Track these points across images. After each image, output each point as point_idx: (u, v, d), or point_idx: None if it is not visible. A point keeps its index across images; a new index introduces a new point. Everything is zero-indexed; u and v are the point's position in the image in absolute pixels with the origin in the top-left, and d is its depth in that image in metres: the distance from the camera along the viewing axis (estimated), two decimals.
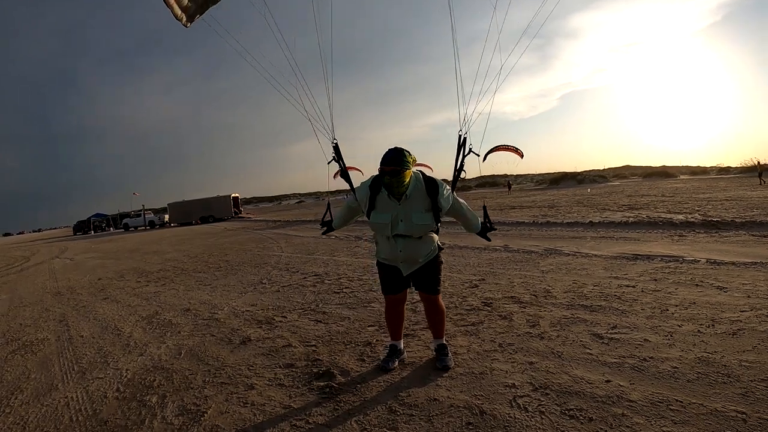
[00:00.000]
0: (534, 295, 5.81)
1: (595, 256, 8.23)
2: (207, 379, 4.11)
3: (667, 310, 4.79)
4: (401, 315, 4.02)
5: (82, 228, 60.53)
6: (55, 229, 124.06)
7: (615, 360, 3.67)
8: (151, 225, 53.41)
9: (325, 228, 4.23)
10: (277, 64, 3.95)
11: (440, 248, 3.86)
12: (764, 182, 30.03)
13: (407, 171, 3.44)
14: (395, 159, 3.39)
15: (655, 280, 6.12)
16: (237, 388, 3.84)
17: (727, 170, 65.37)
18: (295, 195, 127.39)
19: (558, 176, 63.34)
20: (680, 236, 9.95)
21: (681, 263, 7.06)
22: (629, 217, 13.69)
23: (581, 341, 4.13)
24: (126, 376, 4.40)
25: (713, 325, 4.23)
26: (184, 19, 4.09)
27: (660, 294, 5.41)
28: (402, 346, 4.07)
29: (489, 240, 4.18)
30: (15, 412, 3.85)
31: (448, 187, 3.68)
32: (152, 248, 20.57)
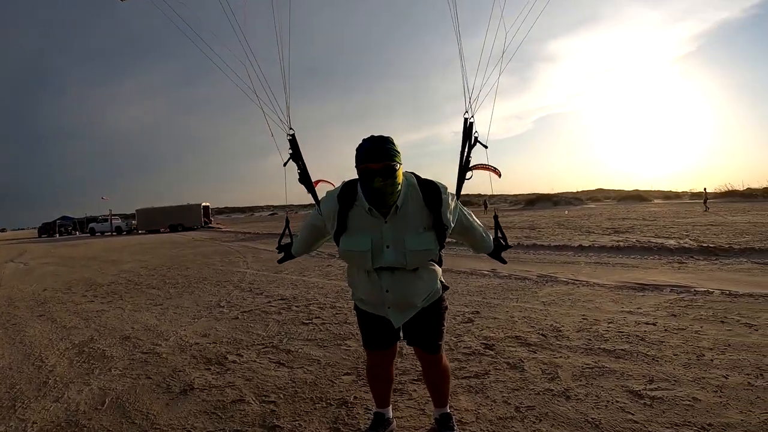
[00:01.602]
0: (542, 334, 4.93)
1: (598, 285, 7.51)
2: None
3: (704, 355, 4.11)
4: (390, 376, 2.96)
5: (47, 230, 59.81)
6: (21, 230, 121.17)
7: (670, 430, 2.86)
8: (118, 231, 51.89)
9: (282, 254, 3.05)
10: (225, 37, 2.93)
11: (445, 287, 2.73)
12: (707, 209, 32.45)
13: (400, 169, 2.36)
14: (385, 150, 2.27)
15: (674, 315, 5.49)
16: None
17: (699, 195, 66.43)
18: (268, 207, 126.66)
19: (533, 197, 63.58)
20: (680, 263, 9.59)
21: (694, 295, 6.50)
22: (618, 241, 13.17)
23: (618, 402, 3.29)
24: None
25: (762, 375, 3.63)
26: None
27: (687, 334, 4.75)
28: (391, 413, 3.06)
29: (505, 262, 2.99)
30: None
31: (452, 194, 2.53)
32: (112, 256, 19.42)
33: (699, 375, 3.69)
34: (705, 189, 41.25)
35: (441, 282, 2.68)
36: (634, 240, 13.28)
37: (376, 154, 2.26)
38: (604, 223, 21.37)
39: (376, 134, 2.33)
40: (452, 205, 2.48)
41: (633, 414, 3.09)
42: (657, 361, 4.04)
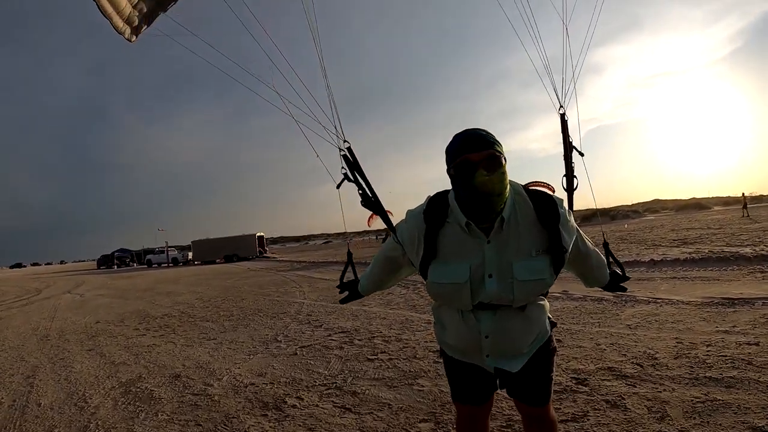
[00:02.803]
0: (637, 363, 4.50)
1: (682, 303, 7.01)
2: None
3: None
4: None
5: (105, 262, 62.34)
6: (81, 261, 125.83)
7: None
8: (174, 262, 52.37)
9: (346, 293, 2.51)
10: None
11: (552, 323, 2.14)
12: (746, 212, 32.57)
13: (505, 167, 1.78)
14: (487, 138, 1.76)
15: None
16: None
17: (759, 199, 63.89)
18: (322, 235, 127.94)
19: (589, 213, 62.47)
20: (762, 272, 9.01)
21: None
22: (690, 253, 12.43)
23: None
24: None
25: None
26: (128, 32, 3.11)
27: None
28: None
29: (625, 290, 2.38)
30: None
31: (568, 210, 1.97)
32: (167, 288, 19.51)
33: None
34: (743, 194, 40.47)
35: (549, 318, 2.14)
36: (706, 250, 12.55)
37: (477, 141, 1.75)
38: (668, 234, 20.49)
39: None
40: (571, 222, 1.94)
41: None
42: None
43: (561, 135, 2.50)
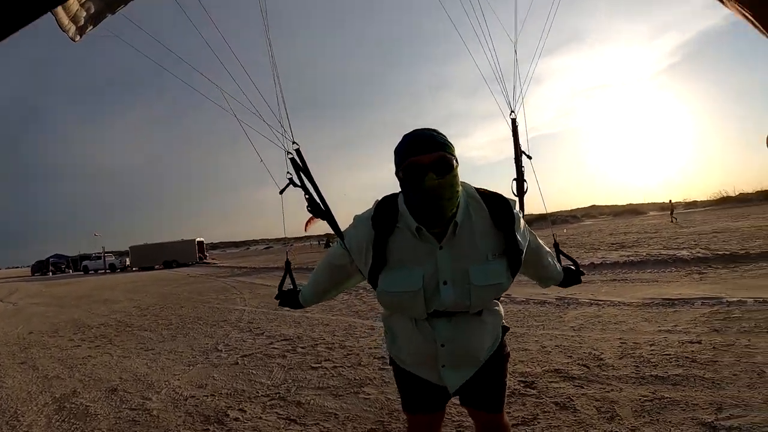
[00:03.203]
0: (583, 365, 4.52)
1: (623, 304, 7.17)
2: None
3: (764, 372, 3.85)
4: None
5: (40, 269, 59.99)
6: (15, 267, 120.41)
7: None
8: (112, 268, 50.68)
9: (283, 301, 2.34)
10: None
11: (505, 329, 2.07)
12: (675, 218, 33.70)
13: (457, 169, 1.71)
14: (438, 139, 1.66)
15: (716, 330, 5.21)
16: None
17: (694, 204, 66.78)
18: (263, 240, 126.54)
19: (531, 218, 63.97)
20: (700, 273, 9.38)
21: (728, 306, 6.27)
22: (629, 256, 12.84)
23: None
24: None
25: None
26: (72, 31, 2.91)
27: (738, 350, 4.47)
28: None
29: (580, 282, 2.34)
30: None
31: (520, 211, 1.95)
32: (104, 295, 18.73)
33: None
34: (671, 201, 43.08)
35: (503, 324, 2.07)
36: (644, 253, 13.00)
37: (426, 143, 1.66)
38: (606, 239, 21.11)
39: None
40: (523, 223, 1.89)
41: None
42: (718, 384, 3.72)
43: (506, 142, 2.47)
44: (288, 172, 2.13)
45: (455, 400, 2.01)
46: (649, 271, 10.45)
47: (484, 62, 2.42)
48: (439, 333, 1.81)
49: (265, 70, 2.23)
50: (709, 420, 3.12)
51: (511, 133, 2.43)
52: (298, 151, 2.14)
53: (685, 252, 12.26)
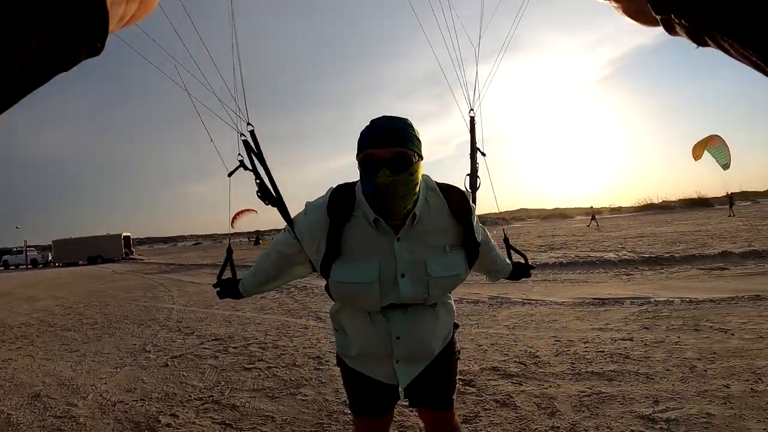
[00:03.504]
0: (520, 362, 4.51)
1: (555, 303, 7.30)
2: None
3: (695, 366, 4.00)
4: None
5: None
6: None
7: None
8: (34, 263, 49.22)
9: (222, 291, 2.12)
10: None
11: (456, 326, 2.01)
12: (596, 224, 36.71)
13: (420, 164, 1.62)
14: (399, 132, 1.56)
15: (646, 328, 5.38)
16: None
17: (619, 210, 69.78)
18: (192, 236, 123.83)
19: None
20: (627, 275, 9.75)
21: (656, 305, 6.52)
22: (558, 257, 13.20)
23: (633, 431, 2.93)
24: None
25: (760, 379, 3.62)
26: None
27: (668, 346, 4.63)
28: None
29: (530, 276, 2.31)
30: None
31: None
32: (25, 293, 17.52)
33: (701, 388, 3.56)
34: (592, 207, 44.81)
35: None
36: (573, 255, 13.41)
37: (385, 136, 1.56)
38: (535, 240, 21.75)
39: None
40: (476, 217, 1.86)
41: None
42: (652, 379, 3.81)
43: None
44: (239, 154, 1.97)
45: (402, 402, 1.91)
46: (578, 272, 10.76)
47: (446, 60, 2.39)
48: (395, 325, 1.75)
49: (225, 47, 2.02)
50: (647, 413, 3.17)
51: (468, 131, 2.39)
52: (252, 132, 1.97)
53: (611, 254, 12.70)
